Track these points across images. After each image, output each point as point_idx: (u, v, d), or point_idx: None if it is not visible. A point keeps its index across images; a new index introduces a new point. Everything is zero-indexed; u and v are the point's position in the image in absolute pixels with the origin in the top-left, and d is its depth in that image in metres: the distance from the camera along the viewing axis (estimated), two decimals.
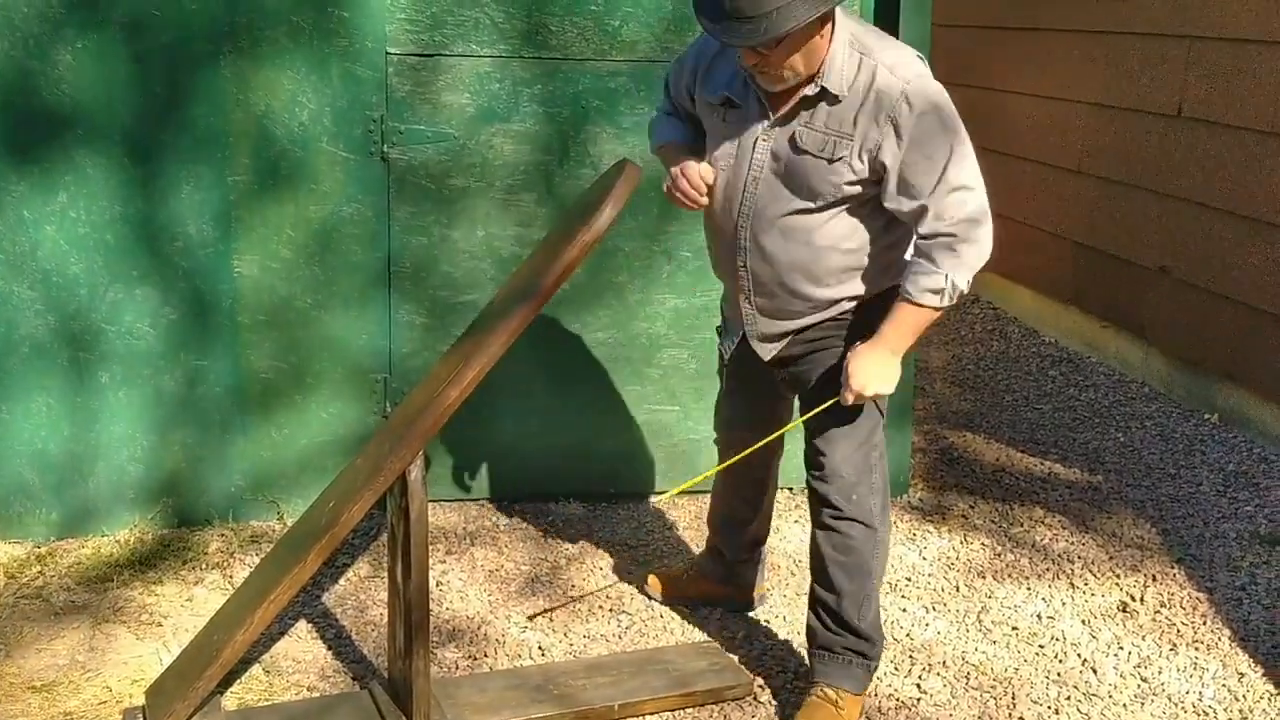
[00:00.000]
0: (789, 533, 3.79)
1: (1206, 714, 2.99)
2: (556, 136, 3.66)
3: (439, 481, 3.82)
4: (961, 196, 2.52)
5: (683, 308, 3.82)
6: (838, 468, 2.79)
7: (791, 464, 3.65)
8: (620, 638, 3.24)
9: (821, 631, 2.90)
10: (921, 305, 2.58)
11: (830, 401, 2.72)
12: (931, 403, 4.94)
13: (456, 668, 3.09)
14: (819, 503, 2.85)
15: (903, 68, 2.51)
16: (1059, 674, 3.13)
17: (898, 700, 3.02)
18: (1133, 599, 3.47)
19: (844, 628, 2.87)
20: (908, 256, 2.66)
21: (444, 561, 3.56)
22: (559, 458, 3.91)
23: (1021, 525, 3.91)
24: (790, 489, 4.01)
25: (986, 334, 5.89)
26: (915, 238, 2.59)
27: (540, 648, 3.19)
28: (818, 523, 2.87)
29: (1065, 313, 5.71)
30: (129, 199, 3.44)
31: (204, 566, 3.48)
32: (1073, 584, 3.56)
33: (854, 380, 2.63)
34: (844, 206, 2.60)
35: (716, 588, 3.34)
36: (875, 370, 2.62)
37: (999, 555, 3.72)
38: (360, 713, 2.80)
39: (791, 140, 2.57)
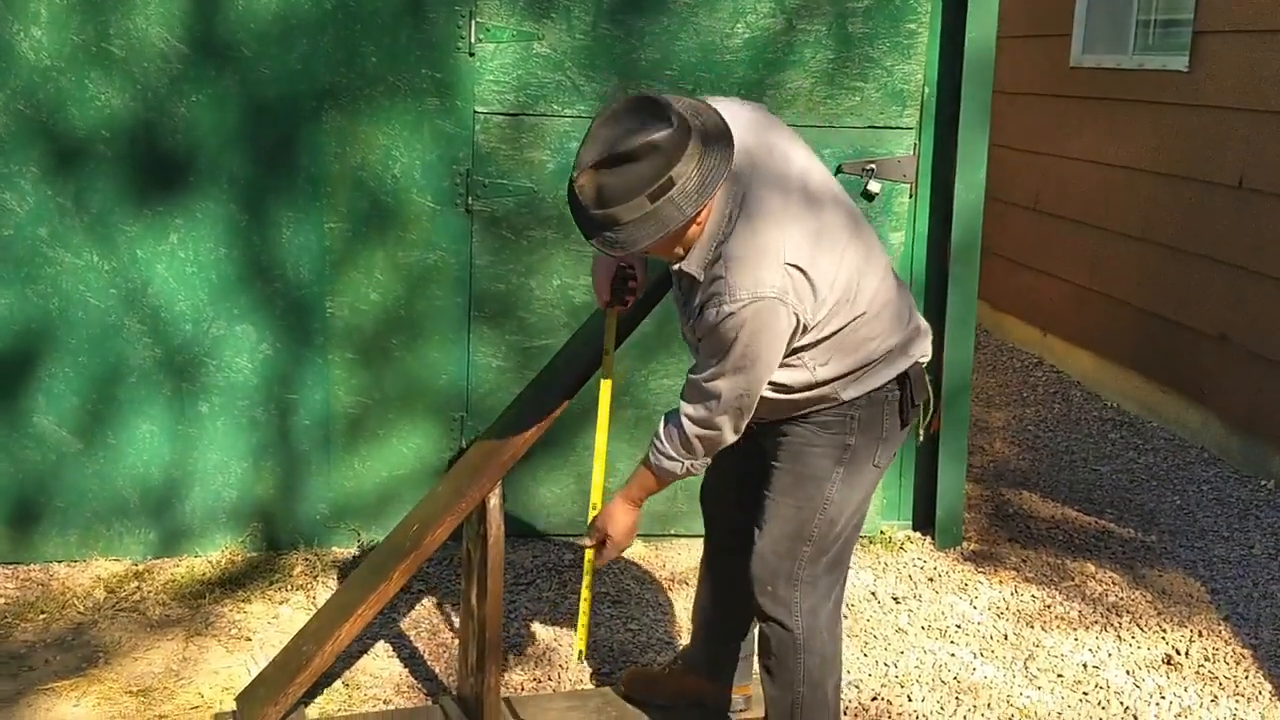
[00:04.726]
0: None
1: None
2: None
3: (508, 518, 4.00)
4: (700, 407, 2.49)
5: None
6: (760, 551, 2.60)
7: None
8: None
9: None
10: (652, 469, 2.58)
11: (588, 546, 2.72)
12: (990, 460, 5.05)
13: (522, 689, 3.27)
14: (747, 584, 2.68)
15: (740, 268, 2.34)
16: (1100, 719, 3.23)
17: None
18: (1178, 652, 3.56)
19: None
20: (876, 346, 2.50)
21: (510, 591, 3.74)
22: None
23: (1073, 579, 4.01)
24: None
25: (1049, 396, 5.98)
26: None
27: (600, 673, 3.35)
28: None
29: (1126, 376, 5.80)
30: (233, 242, 3.71)
31: (289, 588, 3.70)
32: (1119, 635, 3.65)
33: (598, 522, 2.67)
34: None
35: (698, 682, 3.04)
36: (618, 520, 2.64)
37: (1049, 606, 3.82)
38: None
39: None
